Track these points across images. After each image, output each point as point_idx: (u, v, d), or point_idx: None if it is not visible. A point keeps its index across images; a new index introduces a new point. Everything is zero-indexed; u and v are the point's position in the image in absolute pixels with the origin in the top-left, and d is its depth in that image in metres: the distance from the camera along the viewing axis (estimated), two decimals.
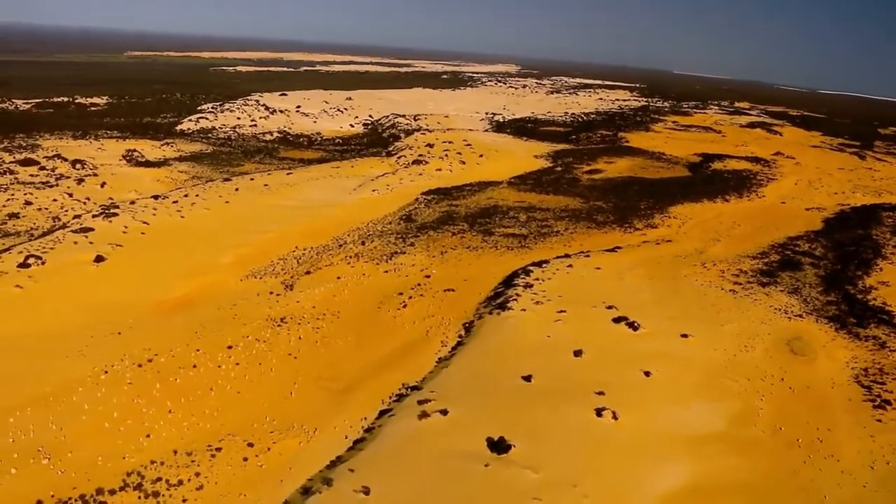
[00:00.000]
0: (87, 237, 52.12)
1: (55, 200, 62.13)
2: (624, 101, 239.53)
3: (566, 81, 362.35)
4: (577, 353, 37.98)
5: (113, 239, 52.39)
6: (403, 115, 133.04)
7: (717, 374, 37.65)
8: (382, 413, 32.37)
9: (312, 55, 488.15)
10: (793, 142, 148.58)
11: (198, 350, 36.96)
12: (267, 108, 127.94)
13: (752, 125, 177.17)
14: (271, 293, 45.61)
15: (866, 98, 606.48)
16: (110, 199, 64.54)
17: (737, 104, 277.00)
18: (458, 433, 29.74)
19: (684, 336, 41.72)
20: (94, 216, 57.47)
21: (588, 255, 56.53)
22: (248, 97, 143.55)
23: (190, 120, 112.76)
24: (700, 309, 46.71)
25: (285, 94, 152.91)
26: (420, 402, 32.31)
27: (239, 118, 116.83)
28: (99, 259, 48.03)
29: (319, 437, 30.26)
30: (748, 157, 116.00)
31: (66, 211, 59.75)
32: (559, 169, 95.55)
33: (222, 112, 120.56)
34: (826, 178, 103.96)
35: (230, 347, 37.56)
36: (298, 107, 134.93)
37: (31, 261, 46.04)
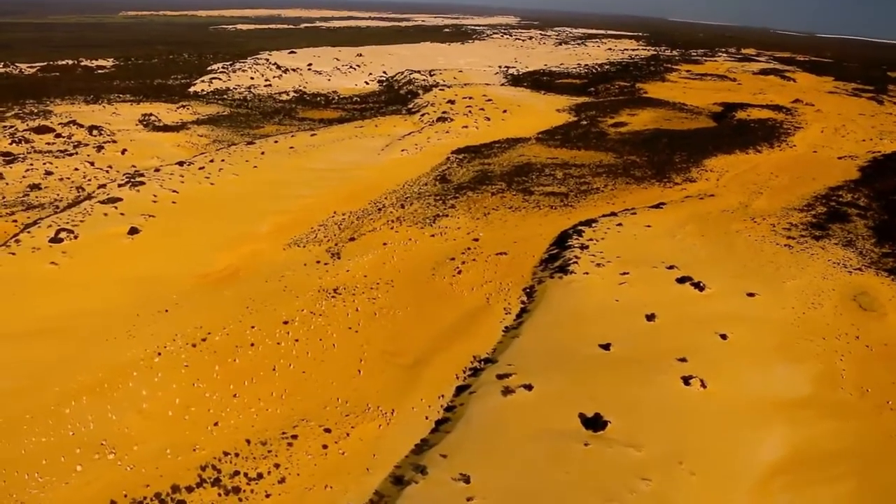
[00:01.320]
0: (116, 208, 49.67)
1: (76, 169, 59.51)
2: (633, 50, 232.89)
3: (571, 32, 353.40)
4: (650, 318, 35.86)
5: (144, 209, 49.93)
6: (419, 71, 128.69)
7: (791, 334, 35.59)
8: (460, 389, 30.39)
9: (310, 11, 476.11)
10: (808, 88, 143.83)
11: (252, 327, 34.86)
12: (279, 67, 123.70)
13: (764, 72, 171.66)
14: (318, 262, 43.33)
15: (866, 41, 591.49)
16: (133, 166, 61.84)
17: (743, 51, 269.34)
18: (548, 410, 27.75)
19: (750, 295, 39.56)
20: (119, 185, 54.91)
21: (635, 213, 54.04)
22: (258, 56, 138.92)
23: (203, 81, 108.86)
24: (759, 266, 44.45)
25: (294, 52, 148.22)
26: (500, 377, 30.28)
27: (252, 78, 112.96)
28: (133, 231, 45.68)
29: (398, 418, 28.30)
30: (769, 106, 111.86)
31: (89, 180, 57.15)
32: (584, 123, 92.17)
33: (234, 72, 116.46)
34: (850, 125, 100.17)
35: (286, 323, 35.44)
36: (310, 65, 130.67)
37: (62, 235, 43.71)
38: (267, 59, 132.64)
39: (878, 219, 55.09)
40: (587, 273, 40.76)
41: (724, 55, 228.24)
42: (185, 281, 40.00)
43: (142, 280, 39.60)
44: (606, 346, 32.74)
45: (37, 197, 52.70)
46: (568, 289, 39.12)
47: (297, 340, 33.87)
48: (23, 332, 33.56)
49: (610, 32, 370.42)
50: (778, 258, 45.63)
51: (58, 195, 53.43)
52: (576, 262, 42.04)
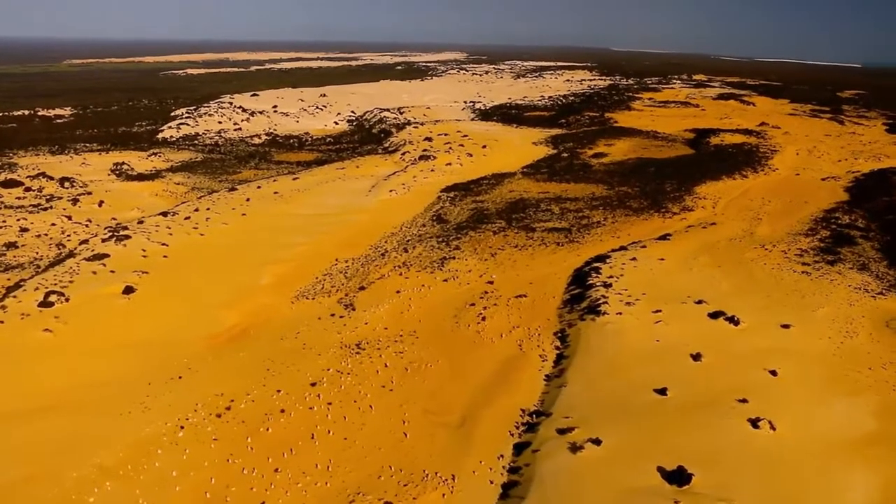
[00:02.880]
0: (104, 265, 46.47)
1: (53, 225, 55.87)
2: (590, 80, 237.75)
3: (523, 65, 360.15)
4: (696, 357, 34.54)
5: (135, 265, 46.84)
6: (388, 109, 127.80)
7: (837, 367, 34.71)
8: (519, 447, 28.29)
9: (257, 54, 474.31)
10: (769, 111, 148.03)
11: (278, 391, 32.24)
12: (245, 110, 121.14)
13: (722, 97, 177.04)
14: (333, 315, 40.91)
15: (801, 63, 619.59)
16: (113, 218, 58.50)
17: (695, 77, 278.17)
18: (623, 466, 25.87)
19: (785, 326, 38.76)
20: (103, 240, 51.63)
21: (645, 247, 53.19)
22: (220, 100, 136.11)
23: (170, 127, 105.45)
24: (784, 295, 43.86)
25: (257, 95, 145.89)
26: (561, 432, 28.38)
27: (220, 122, 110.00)
28: (128, 290, 42.56)
29: (461, 485, 26.02)
30: (739, 130, 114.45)
31: (69, 236, 53.64)
32: (565, 155, 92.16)
33: (200, 117, 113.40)
34: (820, 146, 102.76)
35: (314, 384, 32.93)
36: (275, 107, 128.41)
37: (52, 298, 40.37)
38: (231, 103, 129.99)
39: (882, 240, 55.44)
40: (620, 313, 39.37)
41: (679, 82, 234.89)
42: (193, 343, 37.14)
43: (147, 344, 36.63)
44: (662, 391, 31.20)
45: (14, 256, 49.03)
46: (604, 331, 37.61)
47: (329, 404, 31.38)
48: (24, 409, 30.35)
49: (560, 64, 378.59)
50: (800, 286, 45.13)
51: (37, 253, 49.84)
52: (605, 302, 40.65)
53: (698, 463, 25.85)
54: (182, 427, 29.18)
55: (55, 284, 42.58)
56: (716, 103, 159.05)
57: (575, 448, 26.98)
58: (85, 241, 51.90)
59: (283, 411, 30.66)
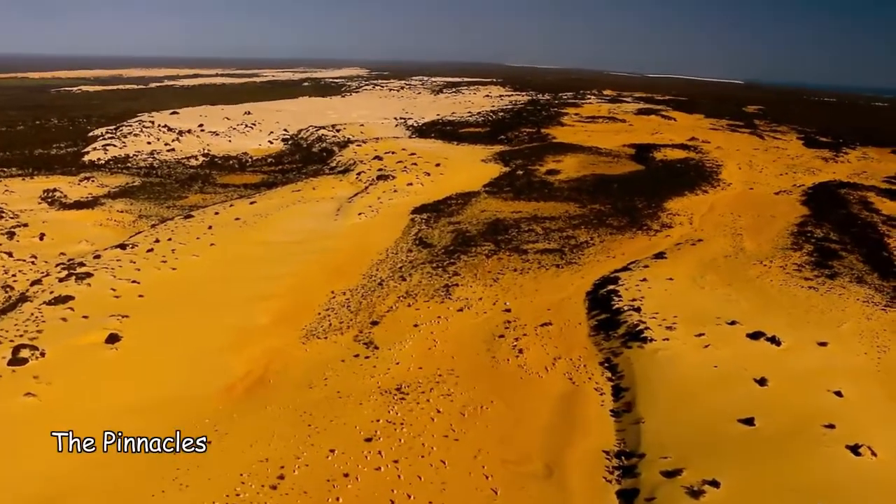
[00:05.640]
0: (72, 309, 40.39)
1: None
2: (508, 96, 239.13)
3: (434, 81, 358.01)
4: (762, 383, 33.17)
5: (109, 308, 40.97)
6: (323, 127, 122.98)
7: (888, 383, 34.26)
8: (626, 496, 25.68)
9: (151, 70, 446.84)
10: (692, 126, 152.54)
11: (332, 451, 28.19)
12: (171, 130, 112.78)
13: (643, 112, 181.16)
14: (357, 356, 36.99)
15: (694, 80, 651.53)
16: (62, 253, 51.63)
17: (605, 93, 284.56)
18: None
19: (822, 344, 38.27)
20: (60, 280, 45.12)
21: (647, 266, 52.07)
22: (140, 118, 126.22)
23: (95, 149, 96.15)
24: (804, 312, 43.63)
25: (177, 113, 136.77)
26: (668, 475, 26.04)
27: (150, 143, 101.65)
28: (112, 339, 36.90)
29: None
30: (676, 145, 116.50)
31: (14, 276, 46.65)
32: (520, 172, 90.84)
33: (126, 137, 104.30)
34: (756, 161, 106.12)
35: (370, 440, 29.10)
36: (201, 126, 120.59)
37: (24, 353, 34.27)
38: (153, 122, 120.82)
39: (861, 252, 56.75)
40: (667, 339, 37.69)
41: (594, 97, 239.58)
42: (208, 398, 32.34)
43: (156, 404, 31.49)
44: (748, 422, 29.54)
45: None
46: (656, 359, 35.79)
47: (396, 462, 27.67)
48: (26, 499, 24.88)
49: (469, 79, 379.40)
50: (814, 302, 45.15)
51: None
52: (647, 328, 38.87)
53: (825, 499, 24.18)
54: None
55: (21, 336, 36.37)
56: (640, 118, 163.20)
57: (694, 493, 24.69)
58: (38, 282, 45.19)
59: (346, 475, 26.69)
